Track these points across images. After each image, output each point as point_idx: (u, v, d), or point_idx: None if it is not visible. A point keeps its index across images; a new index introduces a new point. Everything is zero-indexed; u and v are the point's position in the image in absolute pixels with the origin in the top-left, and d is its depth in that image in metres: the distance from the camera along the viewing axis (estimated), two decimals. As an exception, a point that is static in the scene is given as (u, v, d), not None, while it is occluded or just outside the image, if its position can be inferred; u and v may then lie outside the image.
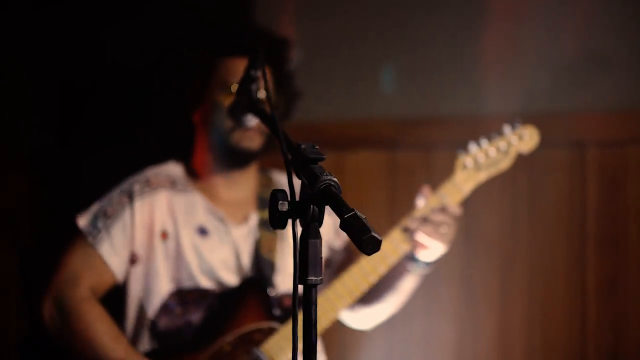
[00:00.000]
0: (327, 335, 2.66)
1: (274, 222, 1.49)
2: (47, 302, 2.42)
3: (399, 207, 3.16)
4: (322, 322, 2.41)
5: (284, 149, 1.59)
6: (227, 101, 2.44)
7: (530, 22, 3.22)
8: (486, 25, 3.25)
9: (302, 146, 1.57)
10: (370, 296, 2.60)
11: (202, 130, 2.57)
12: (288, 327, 2.40)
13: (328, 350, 2.72)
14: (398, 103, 3.38)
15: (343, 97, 3.47)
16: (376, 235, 1.31)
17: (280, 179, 2.71)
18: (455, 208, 2.46)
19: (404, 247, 2.46)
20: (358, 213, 1.36)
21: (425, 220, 2.42)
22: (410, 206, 2.53)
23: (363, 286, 2.46)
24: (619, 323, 3.09)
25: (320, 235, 1.51)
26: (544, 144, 2.58)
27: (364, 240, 1.31)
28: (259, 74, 1.97)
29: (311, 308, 1.53)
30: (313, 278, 1.51)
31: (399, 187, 3.32)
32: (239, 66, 2.43)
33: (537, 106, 3.14)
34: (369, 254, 1.32)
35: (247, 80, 2.00)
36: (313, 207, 1.50)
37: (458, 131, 3.16)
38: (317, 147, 1.59)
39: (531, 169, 3.11)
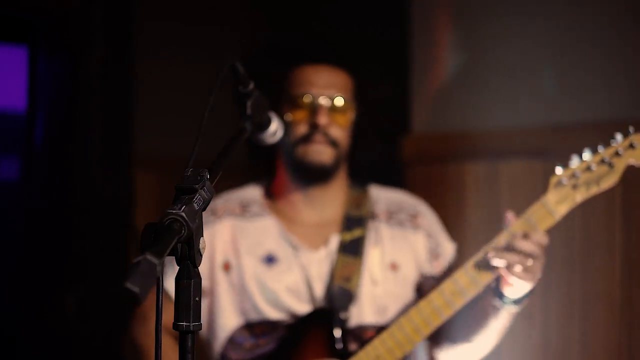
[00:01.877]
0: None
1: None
2: (125, 341, 2.44)
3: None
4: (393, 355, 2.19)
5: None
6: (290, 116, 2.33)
7: None
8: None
9: (187, 173, 1.42)
10: (457, 335, 2.31)
11: (279, 149, 2.43)
12: None
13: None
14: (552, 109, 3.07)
15: (496, 104, 3.22)
16: (130, 287, 1.12)
17: (380, 194, 2.51)
18: (541, 235, 2.10)
19: (483, 280, 2.15)
20: (148, 259, 1.17)
21: (507, 249, 2.09)
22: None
23: (435, 322, 2.18)
24: None
25: (195, 275, 1.35)
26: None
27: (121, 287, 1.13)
28: (249, 88, 1.81)
29: (186, 357, 1.37)
30: (184, 324, 1.36)
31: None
32: (312, 75, 2.35)
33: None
34: (124, 302, 1.14)
35: (240, 98, 1.85)
36: (182, 245, 1.35)
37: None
38: (204, 175, 1.42)
39: None
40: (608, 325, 2.96)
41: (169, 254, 1.30)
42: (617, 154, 2.09)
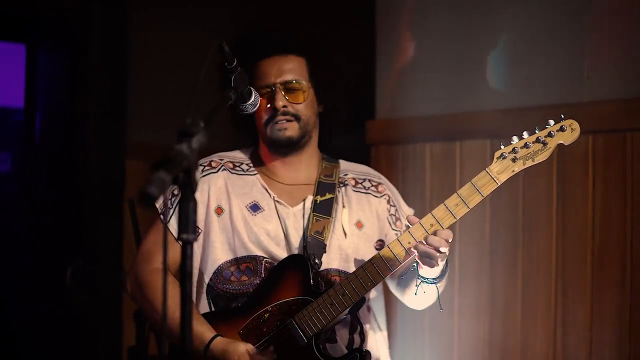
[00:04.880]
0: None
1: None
2: (129, 276, 2.80)
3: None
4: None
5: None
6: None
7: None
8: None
9: (187, 121, 1.84)
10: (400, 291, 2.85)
11: (258, 122, 2.86)
12: (320, 300, 2.61)
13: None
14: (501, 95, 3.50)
15: (452, 91, 3.64)
16: (147, 190, 1.55)
17: (348, 166, 2.95)
18: (448, 232, 2.53)
19: (396, 265, 2.60)
20: (161, 175, 1.61)
21: (426, 242, 2.52)
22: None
23: (385, 274, 2.61)
24: None
25: (192, 198, 1.77)
26: None
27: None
28: (233, 65, 2.24)
29: (186, 261, 1.80)
30: (185, 236, 1.78)
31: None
32: (271, 66, 2.79)
33: None
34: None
35: (228, 73, 2.27)
36: (183, 174, 1.76)
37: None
38: (199, 123, 1.84)
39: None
40: (546, 284, 3.39)
41: (173, 183, 1.73)
42: (549, 135, 2.52)
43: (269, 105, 2.78)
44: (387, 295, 3.01)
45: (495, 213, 3.53)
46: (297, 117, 2.79)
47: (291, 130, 2.79)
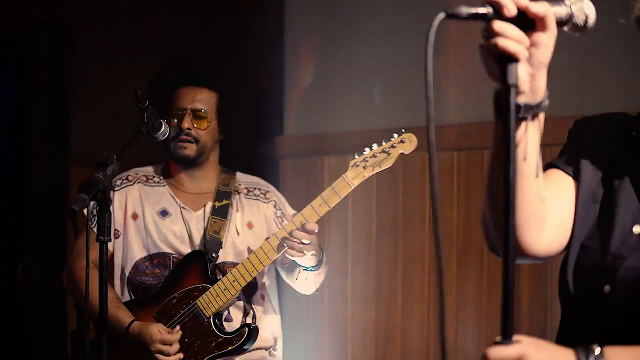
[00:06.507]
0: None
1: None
2: (64, 272, 3.44)
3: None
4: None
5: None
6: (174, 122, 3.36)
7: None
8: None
9: (105, 155, 2.49)
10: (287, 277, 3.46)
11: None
12: (216, 286, 3.23)
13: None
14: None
15: (344, 112, 4.28)
16: (74, 206, 2.21)
17: (242, 178, 3.53)
18: (312, 225, 3.11)
19: (274, 255, 3.20)
20: (82, 196, 2.27)
21: (290, 235, 3.12)
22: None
23: (265, 263, 3.21)
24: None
25: (108, 210, 2.42)
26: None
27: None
28: (145, 105, 2.87)
29: (103, 257, 2.45)
30: (102, 238, 2.44)
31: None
32: (187, 93, 3.39)
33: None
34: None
35: (141, 111, 2.91)
36: (100, 193, 2.42)
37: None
38: (113, 157, 2.49)
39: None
40: (420, 276, 4.04)
41: (92, 199, 2.39)
42: (392, 146, 3.14)
43: (175, 121, 3.36)
44: (283, 282, 3.59)
45: (380, 215, 4.14)
46: (196, 140, 3.37)
47: (189, 150, 3.37)
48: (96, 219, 2.51)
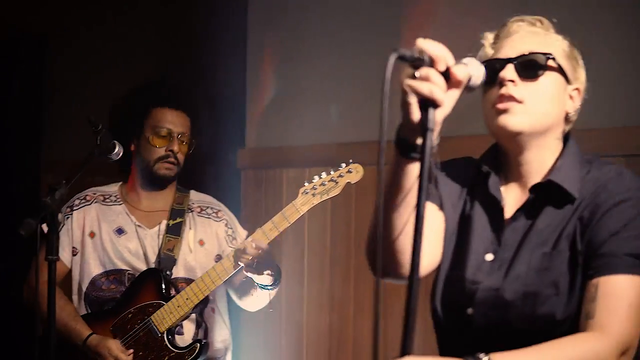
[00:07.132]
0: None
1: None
2: (25, 288, 3.57)
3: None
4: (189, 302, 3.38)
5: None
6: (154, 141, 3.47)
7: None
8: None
9: (55, 182, 2.66)
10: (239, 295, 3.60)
11: (134, 159, 3.54)
12: (170, 303, 3.37)
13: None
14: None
15: (302, 127, 4.43)
16: (20, 231, 2.39)
17: (196, 196, 3.65)
18: (264, 243, 3.24)
19: (231, 268, 3.34)
20: (29, 220, 2.45)
21: (243, 252, 3.25)
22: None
23: (217, 282, 3.37)
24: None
25: (56, 231, 2.59)
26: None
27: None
28: (98, 129, 3.02)
29: (52, 274, 2.62)
30: (50, 257, 2.61)
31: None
32: (167, 115, 3.50)
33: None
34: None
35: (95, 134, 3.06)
36: (49, 215, 2.59)
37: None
38: (62, 182, 2.66)
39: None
40: (371, 284, 4.14)
41: (41, 222, 2.56)
42: (340, 175, 3.29)
43: (154, 141, 3.45)
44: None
45: (334, 230, 4.26)
46: (179, 164, 3.51)
47: (172, 171, 3.51)
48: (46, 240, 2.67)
